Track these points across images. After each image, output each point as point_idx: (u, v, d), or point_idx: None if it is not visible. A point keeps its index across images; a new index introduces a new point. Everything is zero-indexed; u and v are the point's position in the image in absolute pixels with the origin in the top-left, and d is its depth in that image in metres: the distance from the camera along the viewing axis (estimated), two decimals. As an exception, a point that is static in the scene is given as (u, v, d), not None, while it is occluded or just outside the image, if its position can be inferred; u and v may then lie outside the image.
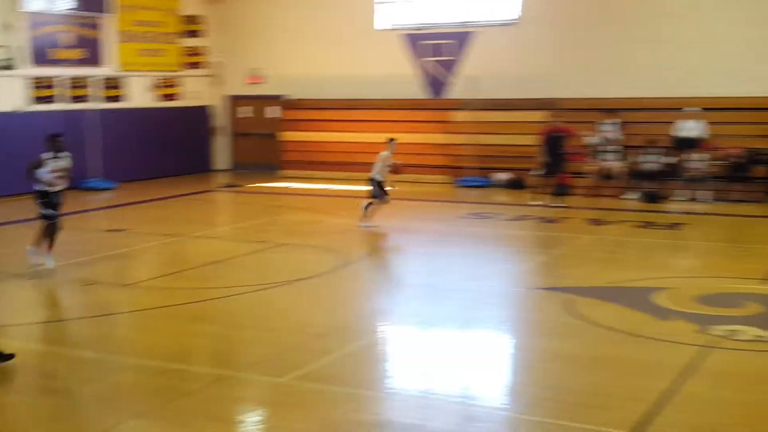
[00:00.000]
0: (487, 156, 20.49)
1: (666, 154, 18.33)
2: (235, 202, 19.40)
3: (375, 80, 22.23)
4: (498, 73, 20.81)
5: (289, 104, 23.21)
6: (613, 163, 18.56)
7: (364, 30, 22.42)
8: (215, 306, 9.55)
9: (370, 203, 14.69)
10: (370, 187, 14.61)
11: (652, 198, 17.68)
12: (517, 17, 20.98)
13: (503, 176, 20.35)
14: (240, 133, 24.26)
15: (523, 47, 20.77)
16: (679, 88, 18.92)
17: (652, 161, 18.33)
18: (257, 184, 20.88)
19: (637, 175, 18.32)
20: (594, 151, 18.85)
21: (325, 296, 10.12)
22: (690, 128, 18.41)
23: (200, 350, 8.24)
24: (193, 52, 23.43)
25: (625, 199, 17.85)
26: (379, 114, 21.95)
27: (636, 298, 9.44)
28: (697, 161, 17.83)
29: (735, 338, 7.86)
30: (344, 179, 20.86)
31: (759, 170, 17.74)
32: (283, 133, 22.94)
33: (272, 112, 23.56)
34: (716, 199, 17.45)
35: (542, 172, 17.66)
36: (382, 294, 10.60)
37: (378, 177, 14.54)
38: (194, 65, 23.49)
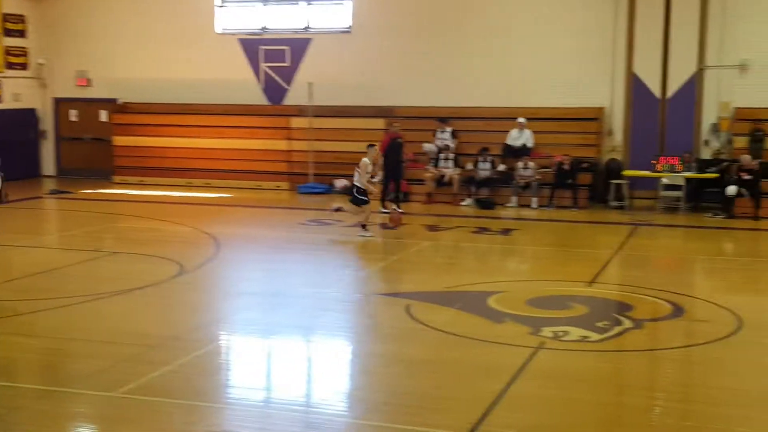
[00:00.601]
0: (327, 163, 20.56)
1: (498, 162, 19.01)
2: (65, 209, 18.52)
3: (213, 85, 21.88)
4: (335, 80, 20.95)
5: (119, 108, 22.47)
6: (448, 170, 19.06)
7: (203, 33, 22.02)
8: (42, 318, 9.08)
9: (340, 208, 14.85)
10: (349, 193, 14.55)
11: (485, 204, 18.28)
12: (349, 26, 21.23)
13: (343, 183, 20.49)
14: (69, 138, 23.22)
15: (358, 55, 21.03)
16: (509, 98, 19.69)
17: (484, 169, 18.95)
18: (88, 191, 20.05)
19: (471, 182, 18.88)
20: (430, 159, 19.33)
21: (161, 306, 9.83)
22: (519, 137, 19.20)
23: (26, 365, 7.80)
24: (16, 52, 22.23)
25: (461, 205, 18.36)
26: (217, 119, 21.61)
27: (472, 302, 9.72)
28: (526, 169, 18.58)
29: (563, 339, 8.22)
30: (180, 186, 20.38)
31: (583, 177, 18.69)
32: (116, 138, 22.11)
33: (104, 115, 22.73)
34: (542, 206, 18.25)
35: (382, 179, 17.87)
36: (220, 303, 10.41)
37: (358, 184, 14.30)
38: (16, 66, 22.29)
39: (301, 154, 20.90)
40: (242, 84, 21.78)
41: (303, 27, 21.70)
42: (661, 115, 18.99)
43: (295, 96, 21.49)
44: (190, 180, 20.86)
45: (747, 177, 16.99)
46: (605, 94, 19.45)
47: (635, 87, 19.19)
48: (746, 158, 17.35)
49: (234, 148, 21.35)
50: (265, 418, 6.39)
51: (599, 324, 8.73)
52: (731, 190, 16.89)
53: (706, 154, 18.58)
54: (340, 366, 7.86)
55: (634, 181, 18.35)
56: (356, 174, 14.39)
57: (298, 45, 21.65)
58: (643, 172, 17.89)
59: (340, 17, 21.43)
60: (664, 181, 17.80)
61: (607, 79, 19.36)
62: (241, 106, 21.71)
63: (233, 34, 22.00)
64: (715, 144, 18.60)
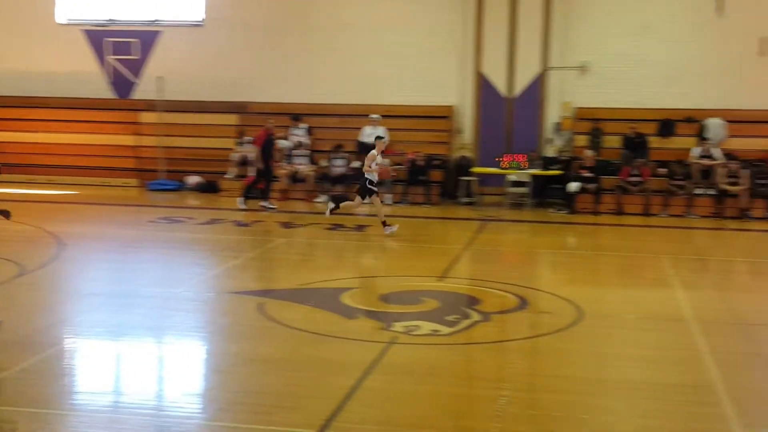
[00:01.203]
0: (178, 159, 20.12)
1: (352, 159, 19.14)
2: None
3: (56, 77, 20.98)
4: (187, 74, 20.54)
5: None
6: (302, 166, 19.04)
7: (43, 23, 21.06)
8: None
9: (336, 207, 14.64)
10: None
11: (340, 201, 18.37)
12: (201, 19, 20.85)
13: (195, 179, 20.09)
14: None
15: (210, 49, 20.71)
16: (363, 95, 19.89)
17: (339, 165, 19.04)
18: None
19: (325, 179, 18.93)
20: (284, 156, 19.24)
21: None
22: (373, 134, 19.39)
23: None
24: None
25: (317, 202, 18.36)
26: (61, 113, 20.77)
27: (325, 299, 9.74)
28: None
29: (414, 333, 8.37)
30: (21, 182, 19.41)
31: (435, 174, 19.10)
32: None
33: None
34: (396, 202, 18.52)
35: (256, 174, 17.57)
36: (64, 304, 9.97)
37: (369, 176, 13.95)
38: None
39: (151, 150, 20.37)
40: (88, 77, 21.01)
41: (152, 19, 21.12)
42: (508, 114, 19.66)
43: (144, 90, 20.92)
44: (33, 176, 19.91)
45: (587, 174, 17.82)
46: (455, 93, 19.95)
47: (483, 86, 19.78)
48: (587, 156, 18.21)
49: (79, 144, 20.58)
50: (113, 423, 6.17)
51: (449, 318, 8.94)
52: (573, 186, 17.68)
53: (550, 151, 19.38)
54: (191, 366, 7.70)
55: (483, 178, 18.92)
56: (366, 165, 14.21)
57: (147, 37, 21.07)
58: (491, 169, 18.47)
59: (192, 10, 20.99)
60: (511, 177, 18.44)
61: (457, 79, 19.86)
62: (87, 100, 20.94)
63: (77, 25, 21.15)
64: (558, 142, 19.42)
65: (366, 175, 14.16)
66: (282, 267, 12.00)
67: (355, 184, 18.87)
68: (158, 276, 11.35)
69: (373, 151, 14.28)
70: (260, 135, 17.60)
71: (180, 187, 19.88)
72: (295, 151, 19.20)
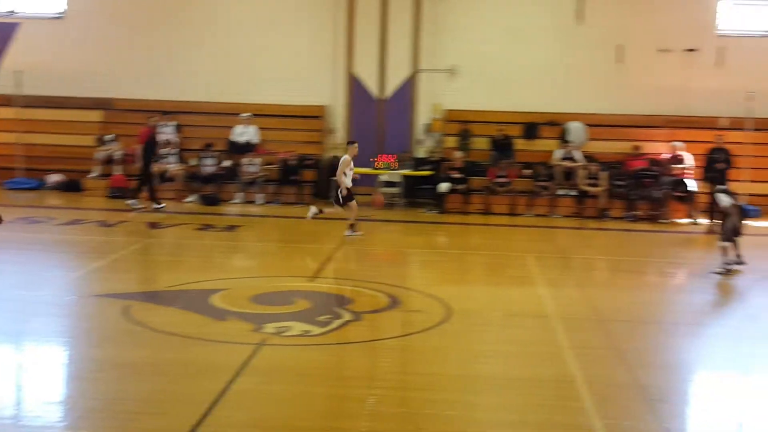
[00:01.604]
0: (38, 157, 19.31)
1: (223, 158, 18.86)
2: None
3: None
4: (48, 69, 19.76)
5: None
6: (170, 166, 18.62)
7: None
8: None
9: (321, 211, 14.14)
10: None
11: (210, 201, 18.06)
12: (63, 11, 20.10)
13: (56, 178, 19.33)
14: None
15: (73, 43, 19.99)
16: (235, 93, 19.65)
17: (209, 165, 18.72)
18: None
19: (195, 179, 18.57)
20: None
21: None
22: (244, 133, 19.18)
23: None
24: None
25: (185, 202, 17.98)
26: None
27: (194, 301, 9.54)
28: (251, 165, 18.60)
29: (285, 334, 8.31)
30: None
31: (308, 174, 19.06)
32: None
33: None
34: (269, 201, 18.38)
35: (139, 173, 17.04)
36: None
37: (343, 183, 13.65)
38: None
39: (8, 147, 19.45)
40: (-62, 70, 19.88)
41: (9, 11, 20.20)
42: (380, 115, 19.85)
43: (1, 85, 19.94)
44: None
45: (457, 175, 18.19)
46: (327, 93, 19.98)
47: (355, 87, 19.89)
48: (456, 157, 18.58)
49: (-71, 140, 19.44)
50: (-37, 435, 5.85)
51: (321, 318, 8.92)
52: (443, 186, 18.01)
53: (420, 152, 19.67)
54: (51, 373, 7.38)
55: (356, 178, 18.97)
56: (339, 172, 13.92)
57: (4, 30, 20.10)
58: (363, 170, 18.55)
59: (53, 1, 20.19)
60: (383, 178, 18.61)
61: (329, 79, 19.90)
62: (-62, 94, 19.82)
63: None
64: (429, 143, 19.74)
65: (339, 183, 14.03)
66: (149, 269, 11.69)
67: (225, 183, 18.61)
68: (16, 279, 10.83)
69: (346, 157, 14.10)
70: (144, 132, 17.13)
71: (40, 186, 19.07)
72: (163, 150, 18.74)
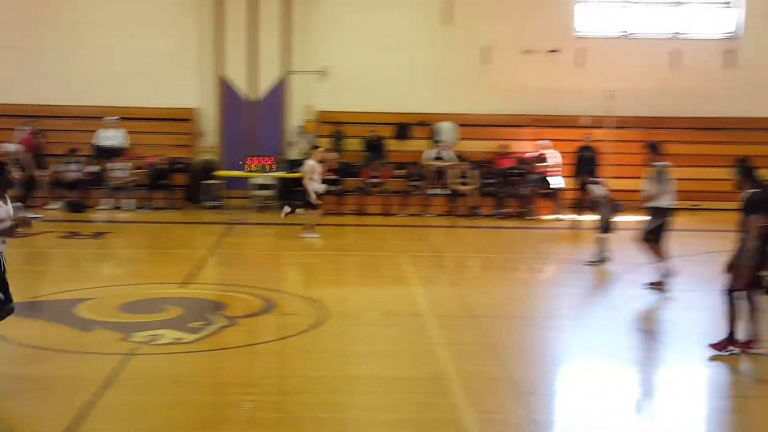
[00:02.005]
0: None
1: (88, 163, 18.25)
2: None
3: None
4: None
5: None
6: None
7: None
8: None
9: (292, 211, 14.35)
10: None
11: (76, 207, 17.44)
12: None
13: None
14: None
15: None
16: (99, 97, 19.04)
17: (74, 170, 18.07)
18: None
19: (60, 184, 17.89)
20: (14, 160, 17.93)
21: None
22: (110, 137, 18.61)
23: None
24: None
25: (49, 209, 17.29)
26: None
27: (59, 312, 9.18)
28: (119, 170, 18.07)
29: (155, 343, 8.10)
30: None
31: (178, 178, 18.67)
32: None
33: None
34: (140, 207, 17.90)
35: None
36: None
37: (311, 189, 14.08)
38: None
39: None
40: None
41: None
42: (252, 117, 19.64)
43: None
44: None
45: (331, 176, 18.20)
46: (196, 95, 19.64)
47: (225, 89, 19.62)
48: (329, 158, 18.58)
49: None
50: None
51: (193, 325, 8.75)
52: (319, 188, 17.96)
53: (293, 154, 19.58)
54: None
55: (228, 181, 18.74)
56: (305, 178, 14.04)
57: None
58: (235, 173, 18.33)
59: None
60: (256, 180, 18.43)
61: (197, 81, 19.57)
62: None
63: None
64: (302, 145, 19.66)
65: (307, 189, 14.28)
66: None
67: (91, 188, 17.98)
68: None
69: (312, 162, 14.03)
70: (27, 138, 16.35)
71: None
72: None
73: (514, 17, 20.32)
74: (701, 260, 13.18)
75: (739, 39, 20.62)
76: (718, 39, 20.77)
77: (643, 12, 20.92)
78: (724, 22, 20.77)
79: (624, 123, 19.42)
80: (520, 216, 18.28)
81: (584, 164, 17.94)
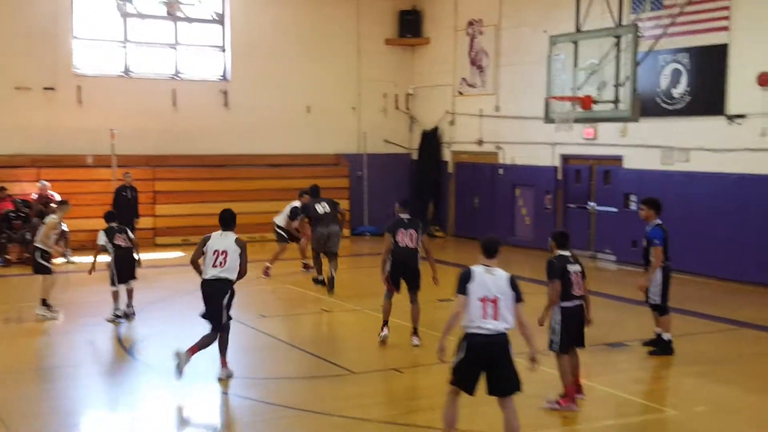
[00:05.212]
0: None
1: None
2: None
3: None
4: None
5: None
6: None
7: None
8: None
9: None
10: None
11: None
12: None
13: None
14: None
15: None
16: None
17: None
18: None
19: None
20: None
21: None
22: None
23: None
24: None
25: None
26: None
27: None
28: None
29: None
30: None
31: None
32: None
33: None
34: None
35: None
36: None
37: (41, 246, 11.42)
38: None
39: None
40: None
41: None
42: None
43: None
44: None
45: None
46: None
47: None
48: None
49: None
50: None
51: None
52: None
53: None
54: None
55: None
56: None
57: None
58: None
59: None
60: None
61: None
62: None
63: None
64: None
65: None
66: None
67: None
68: None
69: (54, 217, 11.51)
70: None
71: None
72: None
73: (7, 52, 19.31)
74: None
75: (230, 81, 21.97)
76: (213, 81, 21.91)
77: (142, 53, 21.23)
78: (218, 65, 22.00)
79: (128, 162, 19.51)
80: (26, 262, 17.22)
81: (124, 205, 17.60)
